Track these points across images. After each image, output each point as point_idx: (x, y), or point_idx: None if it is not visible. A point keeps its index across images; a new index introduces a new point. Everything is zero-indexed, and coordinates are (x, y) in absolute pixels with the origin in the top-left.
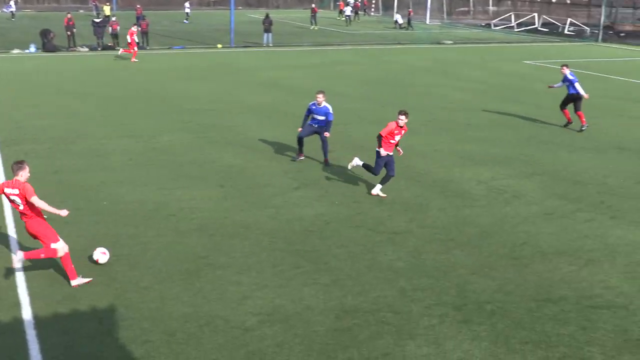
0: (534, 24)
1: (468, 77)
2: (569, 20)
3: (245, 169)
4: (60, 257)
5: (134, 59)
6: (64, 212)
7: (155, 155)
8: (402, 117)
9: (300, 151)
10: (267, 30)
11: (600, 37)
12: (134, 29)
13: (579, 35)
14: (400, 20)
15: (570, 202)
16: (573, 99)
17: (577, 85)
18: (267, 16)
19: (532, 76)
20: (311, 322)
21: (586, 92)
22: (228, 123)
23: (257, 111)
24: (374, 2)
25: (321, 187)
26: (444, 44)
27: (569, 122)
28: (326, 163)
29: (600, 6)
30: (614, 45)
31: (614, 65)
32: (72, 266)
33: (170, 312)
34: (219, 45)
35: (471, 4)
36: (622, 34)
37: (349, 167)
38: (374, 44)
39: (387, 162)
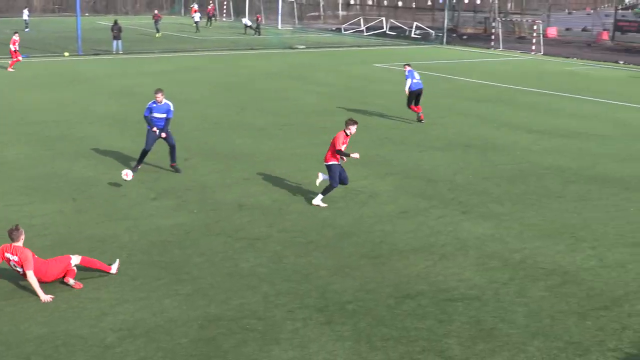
0: (383, 28)
1: (321, 80)
2: (415, 24)
3: (99, 180)
4: (83, 264)
5: (10, 68)
6: (47, 298)
7: (0, 170)
8: (353, 127)
9: (139, 162)
10: (116, 37)
11: (444, 39)
12: (16, 37)
13: (425, 38)
14: (249, 23)
15: (424, 199)
16: (416, 94)
17: (407, 81)
18: (115, 23)
19: (382, 79)
20: (174, 334)
21: (411, 89)
22: (78, 134)
23: (108, 121)
24: (225, 7)
25: (179, 196)
26: (296, 48)
27: (419, 118)
28: (174, 168)
29: (443, 10)
30: (457, 48)
31: (458, 67)
32: (98, 262)
33: (24, 334)
34: (66, 54)
35: (321, 9)
36: (465, 37)
37: (317, 183)
38: (227, 49)
39: (341, 172)
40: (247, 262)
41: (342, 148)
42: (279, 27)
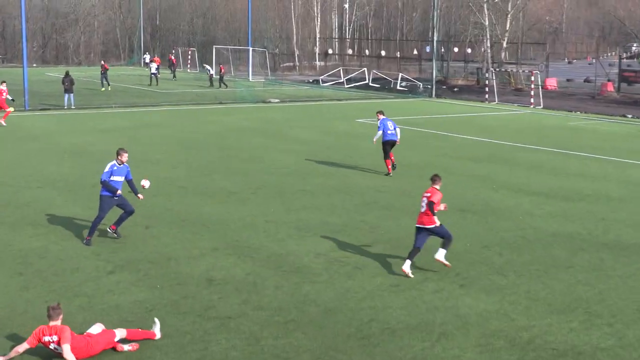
0: (365, 80)
1: (298, 138)
2: (400, 75)
3: (48, 251)
4: (129, 337)
5: (2, 121)
6: None
7: None
8: (440, 182)
9: (92, 232)
10: (67, 91)
11: (433, 92)
12: (4, 87)
13: (412, 90)
14: (212, 71)
15: (417, 271)
16: (390, 146)
17: (379, 132)
18: (67, 74)
19: (366, 135)
20: None
21: (381, 141)
22: (25, 199)
23: (59, 184)
24: (189, 56)
25: (139, 269)
26: (269, 102)
27: (393, 167)
28: (115, 232)
29: (431, 60)
30: (447, 101)
31: (449, 122)
32: (142, 332)
33: None
34: (11, 109)
35: (296, 59)
36: (456, 89)
37: (441, 259)
38: (192, 104)
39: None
40: (218, 345)
41: (442, 207)
42: (250, 78)
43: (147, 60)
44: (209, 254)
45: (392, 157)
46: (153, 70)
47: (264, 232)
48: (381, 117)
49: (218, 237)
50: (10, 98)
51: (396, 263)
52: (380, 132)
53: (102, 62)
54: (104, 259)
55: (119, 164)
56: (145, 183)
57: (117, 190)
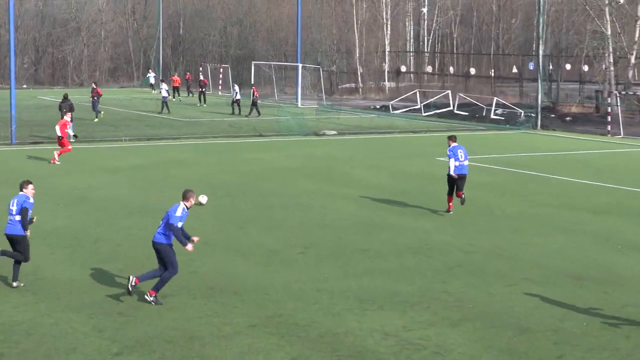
0: (449, 106)
1: (360, 181)
2: (495, 99)
3: (38, 326)
4: None
5: (56, 160)
6: None
7: None
8: None
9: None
10: None
11: (538, 122)
12: (68, 117)
13: (510, 120)
14: (238, 94)
15: (517, 358)
16: (459, 179)
17: (451, 162)
18: (65, 98)
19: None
20: None
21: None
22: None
23: (52, 238)
24: (221, 75)
25: (154, 350)
26: (323, 135)
27: (461, 202)
28: (153, 295)
29: (535, 80)
30: (557, 134)
31: (559, 161)
32: None
33: None
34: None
35: (359, 79)
36: (568, 118)
37: None
38: (224, 136)
39: None
40: None
41: None
42: (299, 103)
43: (152, 81)
44: (243, 332)
45: (462, 194)
46: (164, 94)
47: (314, 304)
48: (452, 144)
49: (255, 309)
50: (72, 133)
51: (489, 349)
52: (454, 160)
53: (94, 85)
54: (108, 336)
55: (187, 209)
56: (203, 199)
57: (187, 242)
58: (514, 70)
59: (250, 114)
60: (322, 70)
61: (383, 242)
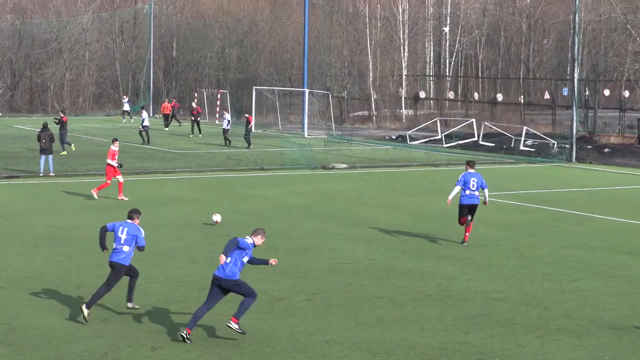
0: (473, 136)
1: (373, 220)
2: (525, 129)
3: None
4: None
5: (120, 196)
6: None
7: None
8: None
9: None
10: (45, 151)
11: (573, 154)
12: (115, 147)
13: (541, 151)
14: (229, 123)
15: None
16: (467, 209)
17: (456, 188)
18: (45, 128)
19: (475, 217)
20: None
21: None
22: None
23: (31, 284)
24: (218, 102)
25: None
26: (332, 168)
27: (461, 242)
28: (189, 334)
29: (569, 107)
30: (594, 167)
31: (596, 197)
32: None
33: None
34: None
35: (373, 107)
36: (607, 150)
37: None
38: (222, 170)
39: None
40: None
41: None
42: (306, 133)
43: (127, 108)
44: None
45: (470, 229)
46: (146, 122)
47: (322, 357)
48: (469, 169)
49: None
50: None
51: None
52: (459, 188)
53: (61, 114)
54: None
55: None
56: (217, 217)
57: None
58: (546, 96)
59: (249, 146)
60: (332, 97)
61: (398, 288)
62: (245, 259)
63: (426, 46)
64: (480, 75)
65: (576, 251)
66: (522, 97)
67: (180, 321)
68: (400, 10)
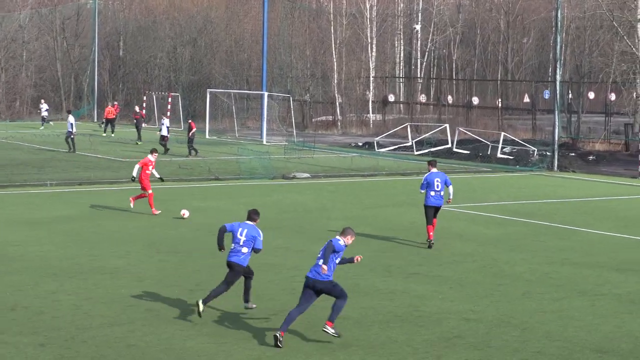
0: (446, 142)
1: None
2: (502, 135)
3: None
4: None
5: (155, 211)
6: None
7: None
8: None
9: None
10: None
11: (555, 162)
12: (153, 157)
13: (520, 159)
14: (165, 131)
15: None
16: (433, 210)
17: (422, 192)
18: None
19: (449, 231)
20: None
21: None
22: None
23: None
24: (170, 106)
25: None
26: (293, 178)
27: (429, 241)
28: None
29: (551, 112)
30: (578, 176)
31: (580, 209)
32: None
33: None
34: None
35: (338, 110)
36: (591, 157)
37: None
38: (172, 180)
39: None
40: None
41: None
42: (264, 140)
43: (44, 112)
44: None
45: (432, 228)
46: (70, 128)
47: None
48: (432, 169)
49: None
50: (157, 176)
51: None
52: (423, 191)
53: None
54: None
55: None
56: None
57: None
58: (526, 99)
59: (191, 153)
60: (293, 100)
61: (365, 309)
62: (337, 260)
63: (396, 45)
64: (454, 77)
65: (559, 267)
66: (499, 100)
67: (125, 341)
68: (368, 7)
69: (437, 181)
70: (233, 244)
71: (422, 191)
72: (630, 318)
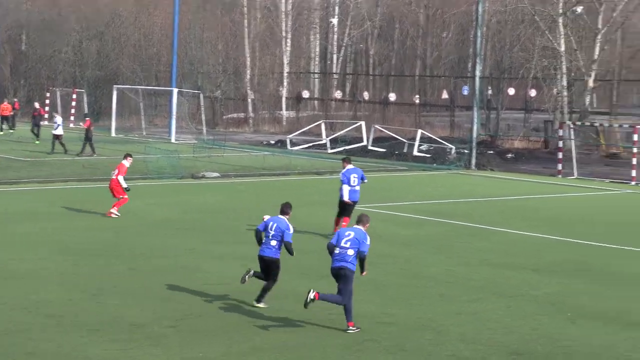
0: (362, 140)
1: (248, 236)
2: (419, 132)
3: None
4: None
5: (116, 211)
6: None
7: None
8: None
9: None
10: None
11: (473, 160)
12: (127, 163)
13: (438, 157)
14: (60, 131)
15: None
16: (349, 205)
17: (345, 188)
18: None
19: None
20: None
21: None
22: None
23: None
24: (73, 103)
25: None
26: (202, 177)
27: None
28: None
29: (470, 108)
30: (496, 175)
31: (499, 209)
32: None
33: None
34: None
35: (250, 108)
36: (510, 155)
37: None
38: (76, 180)
39: None
40: None
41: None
42: (172, 139)
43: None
44: None
45: (347, 221)
46: None
47: None
48: (347, 166)
49: None
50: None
51: None
52: (348, 186)
53: None
54: None
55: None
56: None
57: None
58: (444, 96)
59: (83, 151)
60: (203, 97)
61: (276, 311)
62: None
63: (311, 40)
64: (371, 73)
65: (476, 269)
66: (417, 97)
67: (24, 349)
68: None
69: (354, 177)
70: (264, 238)
71: (346, 185)
72: (547, 320)
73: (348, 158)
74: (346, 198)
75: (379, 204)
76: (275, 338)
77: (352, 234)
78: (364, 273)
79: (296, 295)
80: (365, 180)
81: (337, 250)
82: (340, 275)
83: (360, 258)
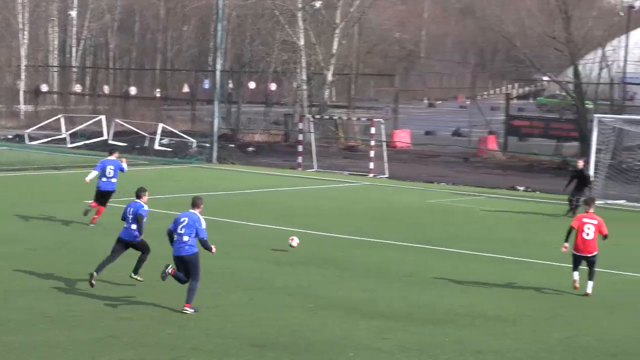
0: (102, 134)
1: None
2: (160, 126)
3: None
4: None
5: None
6: None
7: None
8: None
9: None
10: None
11: (214, 153)
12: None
13: (179, 151)
14: None
15: None
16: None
17: (93, 173)
18: None
19: (112, 227)
20: None
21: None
22: None
23: None
24: None
25: None
26: None
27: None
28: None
29: (211, 102)
30: (237, 168)
31: (238, 202)
32: None
33: None
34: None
35: None
36: (251, 149)
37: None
38: None
39: None
40: None
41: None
42: None
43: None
44: None
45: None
46: None
47: None
48: (111, 157)
49: None
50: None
51: None
52: (96, 173)
53: None
54: None
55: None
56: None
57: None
58: (185, 89)
59: None
60: None
61: (19, 310)
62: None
63: (50, 32)
64: (111, 66)
65: (217, 262)
66: (158, 90)
67: None
68: None
69: (110, 168)
70: (125, 223)
71: (95, 171)
72: (287, 311)
73: (115, 151)
74: (87, 178)
75: (122, 200)
76: (17, 338)
77: (186, 219)
78: (214, 250)
79: (33, 292)
80: (124, 171)
81: (175, 237)
82: (183, 262)
83: (202, 243)
